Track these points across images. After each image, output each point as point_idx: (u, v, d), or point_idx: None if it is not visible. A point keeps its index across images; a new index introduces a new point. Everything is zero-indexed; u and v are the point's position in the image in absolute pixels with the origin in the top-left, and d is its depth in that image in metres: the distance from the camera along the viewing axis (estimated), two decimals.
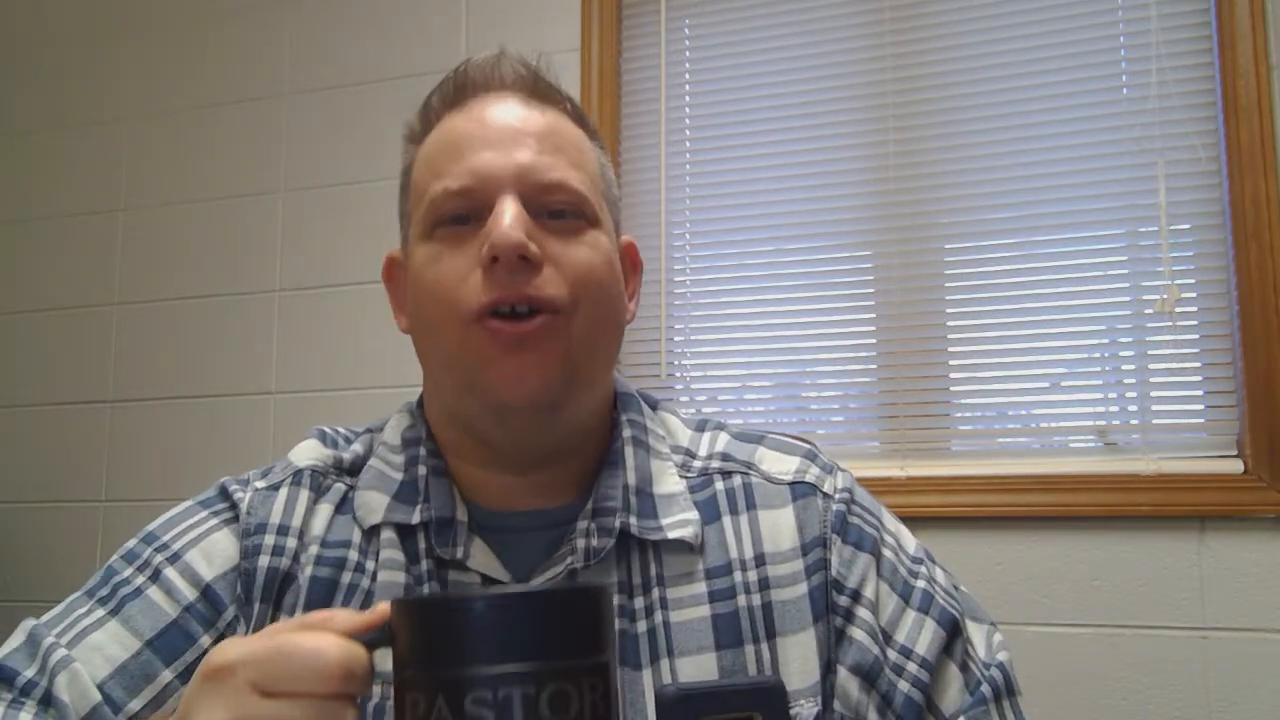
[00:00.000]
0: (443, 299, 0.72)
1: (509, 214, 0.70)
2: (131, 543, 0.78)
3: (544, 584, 0.62)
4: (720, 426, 0.85)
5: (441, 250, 0.73)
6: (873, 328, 1.94)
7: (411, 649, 0.46)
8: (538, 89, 0.78)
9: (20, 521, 2.33)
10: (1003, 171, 1.89)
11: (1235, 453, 1.71)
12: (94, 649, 0.70)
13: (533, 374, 0.70)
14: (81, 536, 2.27)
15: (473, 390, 0.72)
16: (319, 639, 0.47)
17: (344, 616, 0.49)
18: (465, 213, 0.73)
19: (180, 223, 2.34)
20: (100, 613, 0.72)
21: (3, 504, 2.35)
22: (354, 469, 0.80)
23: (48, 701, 0.67)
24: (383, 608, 0.49)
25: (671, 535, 0.74)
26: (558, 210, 0.73)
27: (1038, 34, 1.90)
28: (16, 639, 0.71)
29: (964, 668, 0.74)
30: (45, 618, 0.73)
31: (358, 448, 0.81)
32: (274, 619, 0.74)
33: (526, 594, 0.47)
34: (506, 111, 0.76)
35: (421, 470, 0.77)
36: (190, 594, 0.73)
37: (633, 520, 0.74)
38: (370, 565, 0.74)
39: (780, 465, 0.80)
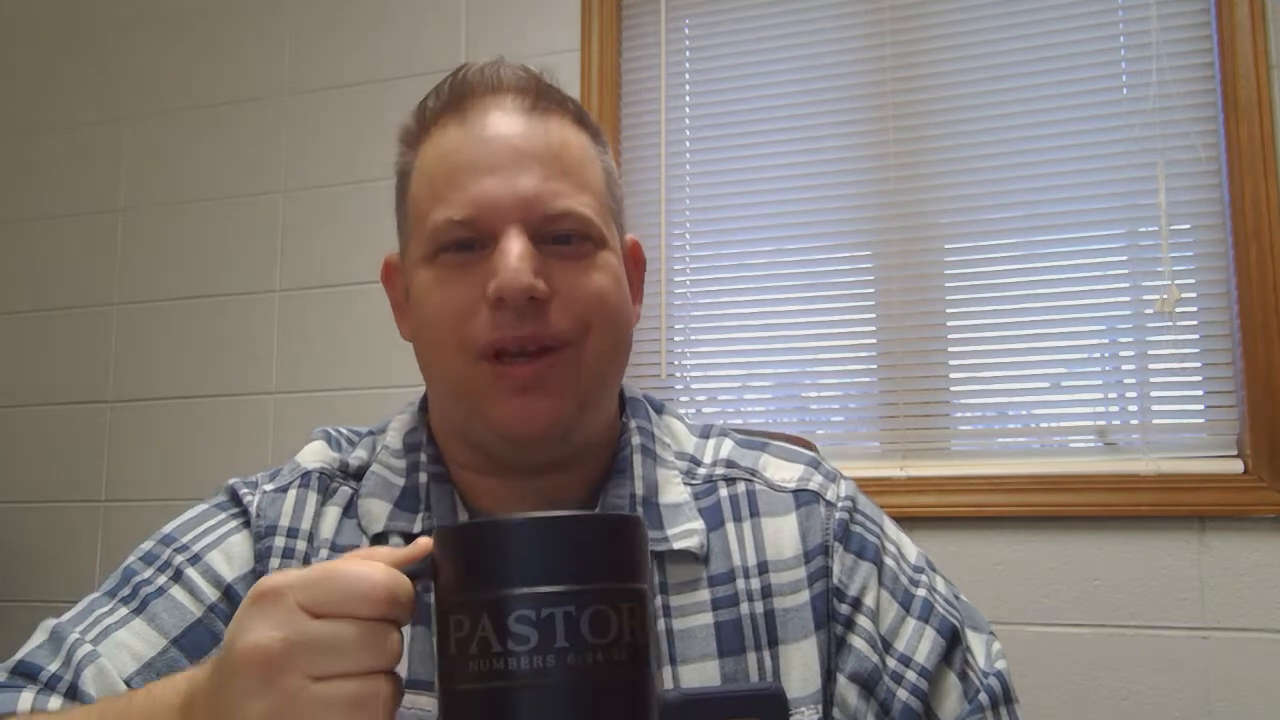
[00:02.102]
0: (448, 332, 0.71)
1: (514, 252, 0.69)
2: (148, 544, 0.78)
3: (584, 510, 0.62)
4: (724, 433, 0.85)
5: (445, 277, 0.72)
6: (873, 328, 1.94)
7: (455, 574, 0.47)
8: (539, 92, 0.76)
9: (20, 521, 2.33)
10: (1003, 171, 1.89)
11: (1235, 453, 1.71)
12: (119, 646, 0.70)
13: (542, 413, 0.70)
14: (81, 536, 2.27)
15: (480, 420, 0.72)
16: (365, 565, 0.48)
17: (386, 551, 0.50)
18: (468, 240, 0.71)
19: (181, 223, 2.34)
20: (124, 611, 0.72)
21: (3, 504, 2.35)
22: (358, 474, 0.80)
23: (73, 695, 0.67)
24: (424, 542, 0.50)
25: (677, 546, 0.74)
26: (564, 236, 0.72)
27: (1038, 34, 1.89)
28: (38, 638, 0.71)
29: (963, 676, 0.74)
30: (65, 617, 0.73)
31: (361, 452, 0.81)
32: None
33: (571, 518, 0.49)
34: (508, 126, 0.74)
35: (423, 477, 0.77)
36: (213, 594, 0.73)
37: None
38: None
39: (784, 473, 0.80)
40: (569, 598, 0.45)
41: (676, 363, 2.05)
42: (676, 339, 2.05)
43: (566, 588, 0.45)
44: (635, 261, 0.83)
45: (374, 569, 0.48)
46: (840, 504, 0.78)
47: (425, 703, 0.70)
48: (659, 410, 0.85)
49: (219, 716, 0.49)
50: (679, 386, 2.04)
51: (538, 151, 0.73)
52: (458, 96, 0.76)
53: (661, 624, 0.72)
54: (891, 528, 0.81)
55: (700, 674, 0.71)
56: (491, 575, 0.46)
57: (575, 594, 0.45)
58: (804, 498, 0.78)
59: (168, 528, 0.79)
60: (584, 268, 0.72)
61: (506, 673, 0.45)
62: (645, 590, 0.48)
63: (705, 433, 0.85)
